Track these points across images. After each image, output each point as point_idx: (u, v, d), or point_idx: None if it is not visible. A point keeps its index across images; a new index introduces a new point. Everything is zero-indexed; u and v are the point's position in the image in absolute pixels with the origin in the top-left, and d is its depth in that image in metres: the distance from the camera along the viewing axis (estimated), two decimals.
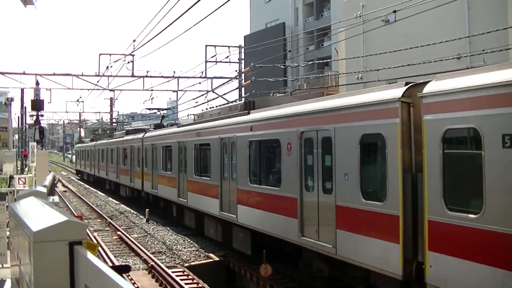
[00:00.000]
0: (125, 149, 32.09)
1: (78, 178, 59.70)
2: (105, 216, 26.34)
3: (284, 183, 12.19)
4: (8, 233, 9.55)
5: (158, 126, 29.58)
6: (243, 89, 34.58)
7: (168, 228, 22.02)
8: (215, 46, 32.10)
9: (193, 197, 18.95)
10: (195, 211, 19.09)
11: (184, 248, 18.19)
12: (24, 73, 30.93)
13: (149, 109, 37.85)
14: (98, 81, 32.37)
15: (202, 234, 19.21)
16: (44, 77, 30.84)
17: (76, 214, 24.86)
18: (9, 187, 22.24)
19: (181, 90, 34.29)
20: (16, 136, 64.46)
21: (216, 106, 19.67)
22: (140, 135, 28.85)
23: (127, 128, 43.97)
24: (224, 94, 33.40)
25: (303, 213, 11.29)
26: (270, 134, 13.08)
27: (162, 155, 23.51)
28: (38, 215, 5.65)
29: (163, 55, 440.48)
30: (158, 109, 37.21)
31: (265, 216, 13.10)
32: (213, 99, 33.89)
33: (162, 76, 32.79)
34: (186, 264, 15.92)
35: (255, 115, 14.24)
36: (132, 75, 31.55)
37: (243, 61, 35.66)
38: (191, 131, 19.43)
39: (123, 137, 34.58)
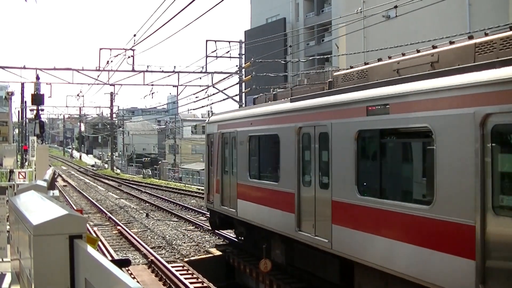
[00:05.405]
0: None
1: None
2: (105, 211, 26.37)
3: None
4: (8, 227, 9.56)
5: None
6: (243, 84, 34.52)
7: (168, 223, 22.05)
8: (215, 41, 31.99)
9: None
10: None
11: (184, 243, 18.23)
12: (24, 67, 30.90)
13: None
14: (98, 76, 32.35)
15: (201, 229, 19.41)
16: (45, 71, 30.80)
17: (76, 208, 24.90)
18: (9, 181, 22.26)
19: (181, 85, 34.27)
20: (16, 131, 64.48)
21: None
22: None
23: None
24: (225, 89, 33.30)
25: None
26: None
27: None
28: (38, 209, 5.65)
29: (164, 50, 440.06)
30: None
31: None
32: (213, 94, 33.71)
33: (162, 71, 32.74)
34: (185, 259, 15.96)
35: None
36: (133, 70, 31.50)
37: (243, 56, 35.57)
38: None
39: None
